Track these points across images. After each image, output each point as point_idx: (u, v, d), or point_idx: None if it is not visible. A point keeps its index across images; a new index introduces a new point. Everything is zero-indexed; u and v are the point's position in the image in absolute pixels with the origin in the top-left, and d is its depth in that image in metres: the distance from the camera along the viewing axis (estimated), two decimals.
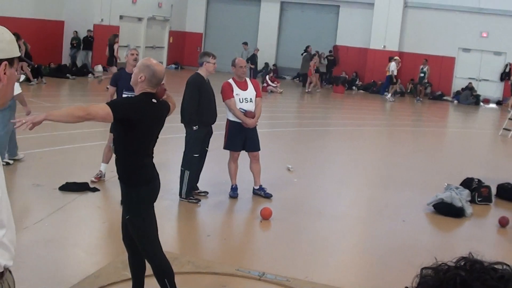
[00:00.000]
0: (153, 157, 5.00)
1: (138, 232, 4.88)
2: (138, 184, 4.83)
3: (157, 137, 5.06)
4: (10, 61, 2.51)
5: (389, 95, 26.29)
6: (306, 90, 26.52)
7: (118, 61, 23.11)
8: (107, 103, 4.68)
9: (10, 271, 2.62)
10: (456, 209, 9.01)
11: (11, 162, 9.75)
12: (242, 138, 8.90)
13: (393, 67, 26.20)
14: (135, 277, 5.22)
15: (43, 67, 22.75)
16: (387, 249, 7.48)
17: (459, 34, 28.72)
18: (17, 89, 9.37)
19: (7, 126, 9.42)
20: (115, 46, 23.34)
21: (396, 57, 26.65)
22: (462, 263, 1.12)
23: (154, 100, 4.85)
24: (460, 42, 29.02)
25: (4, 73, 2.48)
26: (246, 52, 25.62)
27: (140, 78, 4.80)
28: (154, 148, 5.03)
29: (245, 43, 26.81)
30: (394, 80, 26.36)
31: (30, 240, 6.75)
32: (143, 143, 4.83)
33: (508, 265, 1.12)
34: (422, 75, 27.12)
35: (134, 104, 4.79)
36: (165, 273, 4.93)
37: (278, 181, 10.14)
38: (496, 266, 1.11)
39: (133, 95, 8.91)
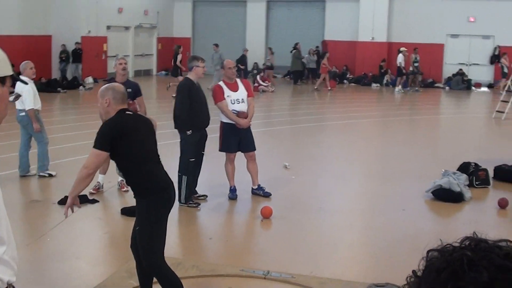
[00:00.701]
0: (161, 165, 5.04)
1: (144, 244, 4.89)
2: (149, 193, 4.86)
3: (154, 143, 5.10)
4: (2, 79, 2.51)
5: (398, 88, 26.07)
6: (315, 87, 26.45)
7: (183, 70, 23.48)
8: (93, 146, 4.80)
9: (14, 287, 2.64)
10: (455, 194, 9.04)
11: (53, 173, 10.24)
12: (237, 139, 8.91)
13: (400, 59, 26.01)
14: (143, 284, 5.23)
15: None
16: (389, 239, 7.51)
17: (446, 20, 28.75)
18: (29, 105, 9.80)
19: (42, 137, 10.13)
20: (179, 57, 23.47)
21: (403, 48, 26.41)
22: (467, 243, 1.13)
23: (128, 112, 4.97)
24: (448, 29, 29.06)
25: None
26: (217, 54, 25.22)
27: (106, 102, 4.91)
28: None
29: (216, 45, 26.46)
30: (404, 72, 26.15)
31: (33, 256, 6.75)
32: (139, 149, 4.87)
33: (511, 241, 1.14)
34: (416, 64, 26.95)
35: (112, 125, 4.88)
36: (172, 285, 4.94)
37: (276, 179, 10.15)
38: (500, 244, 1.13)
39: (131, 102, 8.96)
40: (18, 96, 2.56)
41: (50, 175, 10.17)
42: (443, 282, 1.07)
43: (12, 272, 2.54)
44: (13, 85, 2.63)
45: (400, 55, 26.09)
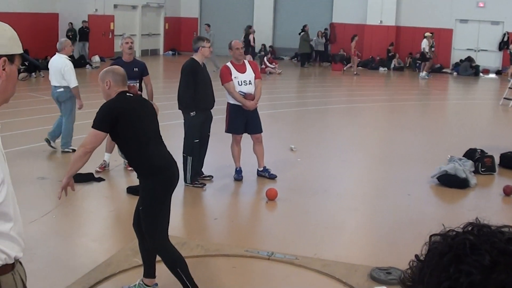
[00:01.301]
0: (163, 145, 5.07)
1: (148, 225, 4.91)
2: (152, 173, 4.88)
3: (155, 124, 5.11)
4: (11, 57, 2.51)
5: (423, 73, 25.50)
6: (355, 73, 25.98)
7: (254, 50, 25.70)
8: (92, 126, 4.81)
9: (21, 263, 2.66)
10: (460, 180, 9.04)
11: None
12: (243, 120, 8.90)
13: (424, 44, 25.51)
14: (146, 262, 5.27)
15: (40, 61, 22.71)
16: (393, 224, 7.52)
17: (455, 5, 28.55)
18: (74, 82, 9.99)
19: (71, 116, 10.29)
20: (251, 37, 24.48)
21: (428, 33, 25.91)
22: (470, 228, 1.14)
23: (129, 94, 5.01)
24: (457, 13, 28.86)
25: (4, 69, 2.47)
26: (208, 35, 24.82)
27: (107, 84, 4.95)
28: None
29: (207, 25, 26.01)
30: (428, 57, 25.61)
31: (39, 232, 6.79)
32: (140, 131, 4.89)
33: None
34: (433, 49, 26.42)
35: (112, 106, 4.90)
36: (176, 263, 4.97)
37: (282, 161, 10.16)
38: (503, 229, 1.14)
39: (132, 83, 8.99)
40: (27, 76, 2.55)
41: (74, 150, 10.23)
42: (446, 265, 1.09)
43: (19, 248, 2.56)
44: (23, 64, 2.63)
45: (425, 40, 25.61)
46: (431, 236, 1.16)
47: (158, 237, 4.93)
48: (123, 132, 4.85)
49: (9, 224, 2.49)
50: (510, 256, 1.06)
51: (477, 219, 1.17)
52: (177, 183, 5.09)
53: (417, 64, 27.52)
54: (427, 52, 25.36)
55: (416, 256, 1.16)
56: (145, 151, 4.88)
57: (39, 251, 6.20)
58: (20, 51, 2.56)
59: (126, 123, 4.82)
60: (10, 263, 2.52)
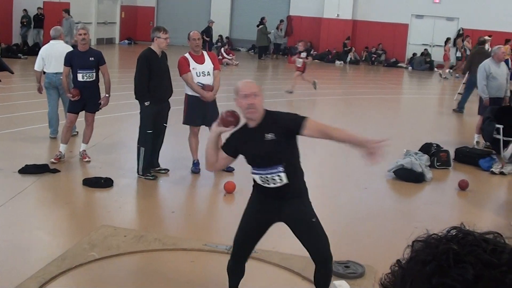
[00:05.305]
0: None
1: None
2: None
3: None
4: None
5: None
6: (443, 77, 25.24)
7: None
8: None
9: None
10: (416, 174, 9.16)
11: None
12: (201, 112, 8.83)
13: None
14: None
15: None
16: (351, 217, 7.57)
17: (411, 0, 28.90)
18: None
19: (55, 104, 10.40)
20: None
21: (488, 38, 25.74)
22: (454, 233, 1.12)
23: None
24: (413, 9, 29.23)
25: None
26: (67, 22, 22.07)
27: None
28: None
29: (65, 10, 23.03)
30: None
31: None
32: None
33: (499, 234, 1.12)
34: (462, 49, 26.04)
35: None
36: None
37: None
38: (487, 237, 1.11)
39: (88, 73, 8.87)
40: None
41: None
42: (428, 275, 1.06)
43: None
44: None
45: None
46: (413, 241, 1.14)
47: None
48: None
49: None
50: (493, 269, 1.04)
51: (462, 224, 1.15)
52: None
53: (373, 58, 27.78)
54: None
55: (398, 261, 1.14)
56: None
57: None
58: None
59: None
60: None
